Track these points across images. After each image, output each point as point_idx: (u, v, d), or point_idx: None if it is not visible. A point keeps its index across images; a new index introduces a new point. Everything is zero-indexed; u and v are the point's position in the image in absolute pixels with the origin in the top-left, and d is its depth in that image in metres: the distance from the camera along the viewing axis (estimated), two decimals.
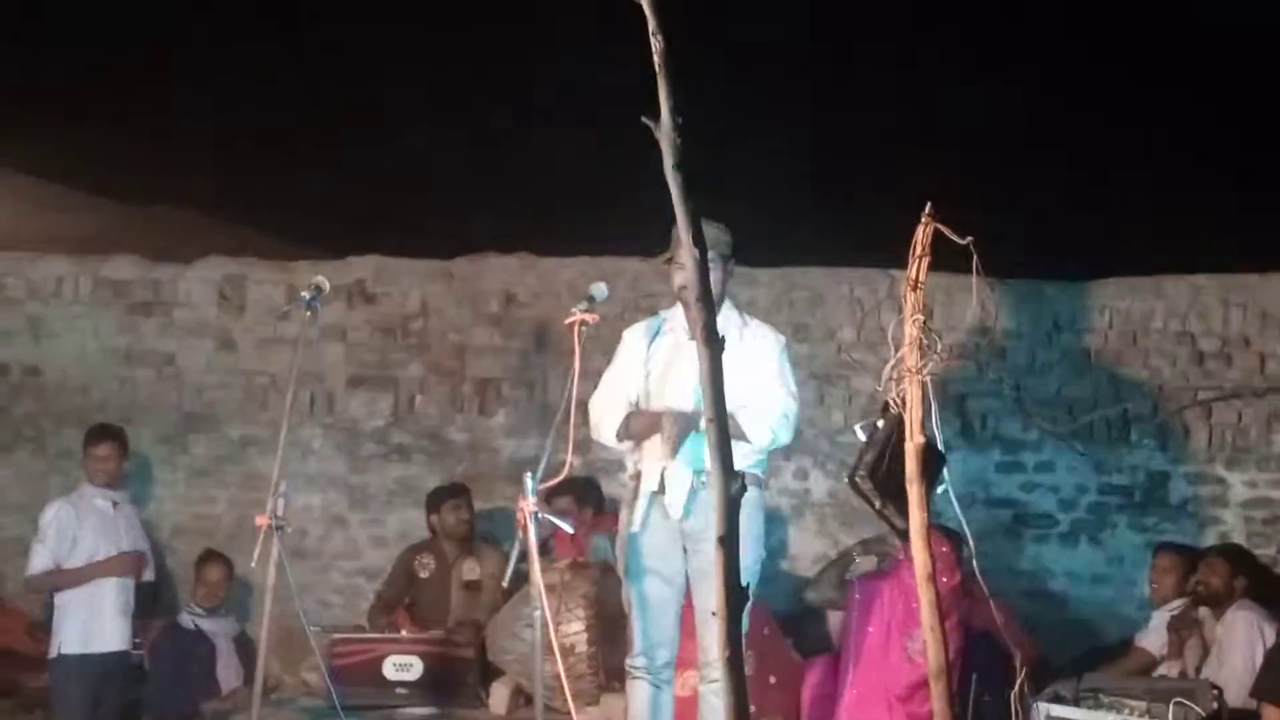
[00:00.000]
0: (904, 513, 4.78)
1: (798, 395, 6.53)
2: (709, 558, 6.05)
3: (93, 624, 8.11)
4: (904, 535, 5.89)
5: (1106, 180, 9.94)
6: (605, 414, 6.55)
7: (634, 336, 6.71)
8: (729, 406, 5.93)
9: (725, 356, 6.26)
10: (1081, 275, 9.33)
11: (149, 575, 8.51)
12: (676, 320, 6.54)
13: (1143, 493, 9.06)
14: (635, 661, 6.36)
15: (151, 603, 8.78)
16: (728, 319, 6.38)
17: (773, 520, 9.44)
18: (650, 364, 6.51)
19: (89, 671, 8.09)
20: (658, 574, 6.32)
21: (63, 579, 8.15)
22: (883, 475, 5.00)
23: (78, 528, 8.20)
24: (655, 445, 6.33)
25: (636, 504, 6.32)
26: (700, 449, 6.17)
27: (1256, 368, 8.97)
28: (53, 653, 8.14)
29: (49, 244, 10.30)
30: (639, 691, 6.34)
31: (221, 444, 9.95)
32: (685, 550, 6.32)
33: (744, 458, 6.16)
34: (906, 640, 6.83)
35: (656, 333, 6.64)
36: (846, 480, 5.98)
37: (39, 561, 8.18)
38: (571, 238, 9.67)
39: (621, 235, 9.54)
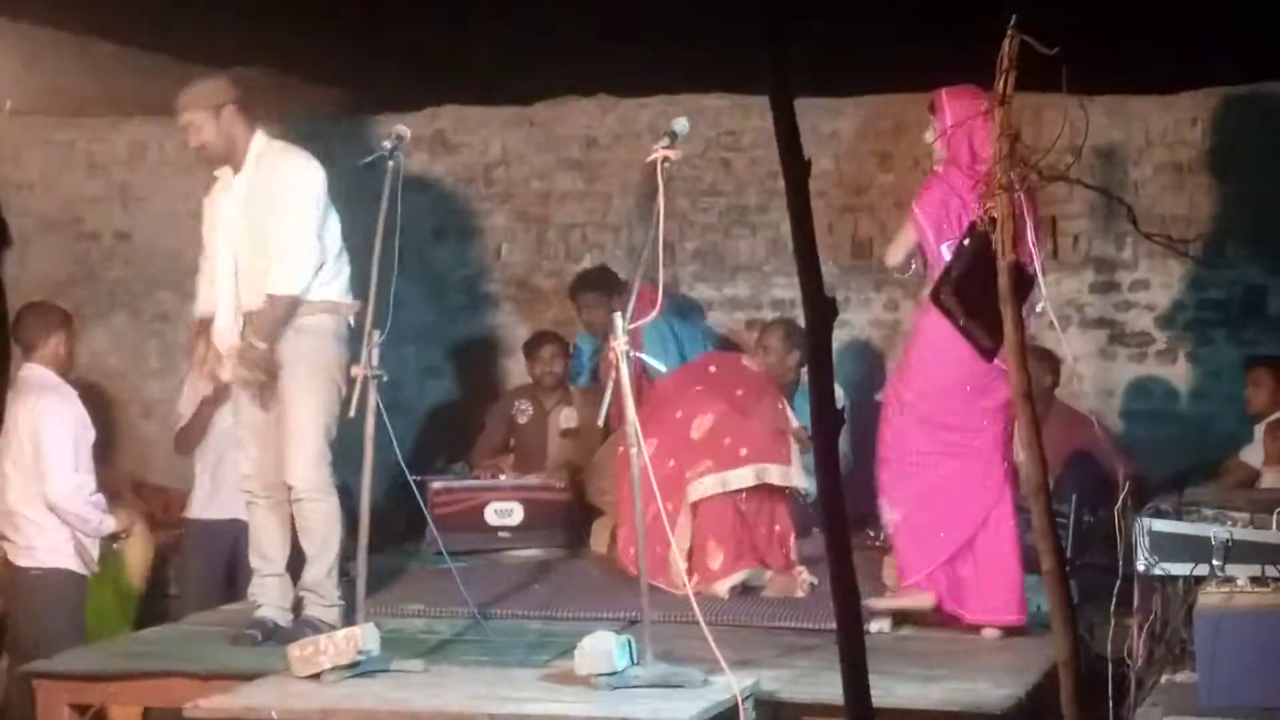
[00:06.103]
0: (988, 330, 4.75)
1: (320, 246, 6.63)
2: (294, 380, 6.44)
3: (216, 491, 8.11)
4: (988, 353, 5.88)
5: None
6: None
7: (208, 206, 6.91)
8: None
9: (257, 192, 6.48)
10: (1171, 87, 9.14)
11: None
12: (225, 180, 6.73)
13: (1240, 307, 8.94)
14: (250, 485, 6.72)
15: None
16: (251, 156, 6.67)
17: (865, 352, 9.44)
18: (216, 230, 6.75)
19: (210, 538, 8.07)
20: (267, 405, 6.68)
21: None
22: (967, 292, 4.95)
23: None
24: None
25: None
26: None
27: None
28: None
29: (130, 108, 10.33)
30: (258, 514, 6.72)
31: None
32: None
33: (322, 287, 6.55)
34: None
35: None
36: (929, 296, 5.98)
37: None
38: (650, 76, 9.58)
39: (701, 70, 9.44)
